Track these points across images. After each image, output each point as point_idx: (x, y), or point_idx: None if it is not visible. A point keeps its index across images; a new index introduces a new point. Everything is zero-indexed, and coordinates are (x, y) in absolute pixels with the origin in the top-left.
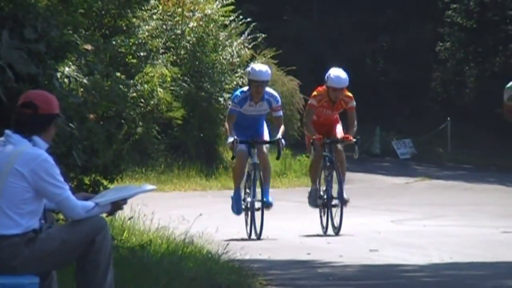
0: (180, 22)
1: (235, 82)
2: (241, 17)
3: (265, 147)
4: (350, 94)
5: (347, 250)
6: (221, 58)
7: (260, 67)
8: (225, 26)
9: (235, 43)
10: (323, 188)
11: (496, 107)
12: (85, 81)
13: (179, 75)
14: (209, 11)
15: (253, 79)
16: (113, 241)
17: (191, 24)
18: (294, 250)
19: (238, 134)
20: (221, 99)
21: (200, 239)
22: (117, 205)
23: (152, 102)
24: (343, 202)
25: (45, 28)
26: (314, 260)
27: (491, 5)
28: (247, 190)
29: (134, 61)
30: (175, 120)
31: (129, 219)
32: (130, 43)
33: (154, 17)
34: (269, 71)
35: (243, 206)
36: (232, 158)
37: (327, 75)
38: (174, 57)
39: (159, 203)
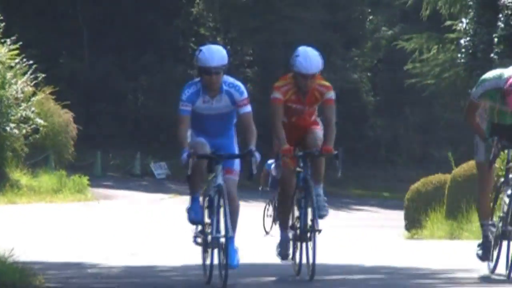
0: None
1: (19, 114)
2: (24, 59)
3: (234, 172)
4: (327, 83)
5: (111, 253)
6: (7, 94)
7: (211, 48)
8: (11, 67)
9: (19, 82)
10: (296, 214)
11: None
12: None
13: None
14: None
15: (202, 65)
16: None
17: None
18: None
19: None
20: (7, 128)
21: None
22: None
23: None
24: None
25: None
26: (86, 262)
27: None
28: (208, 221)
29: None
30: None
31: None
32: None
33: None
34: (224, 53)
35: (201, 241)
36: (188, 178)
37: (293, 56)
38: None
39: None
